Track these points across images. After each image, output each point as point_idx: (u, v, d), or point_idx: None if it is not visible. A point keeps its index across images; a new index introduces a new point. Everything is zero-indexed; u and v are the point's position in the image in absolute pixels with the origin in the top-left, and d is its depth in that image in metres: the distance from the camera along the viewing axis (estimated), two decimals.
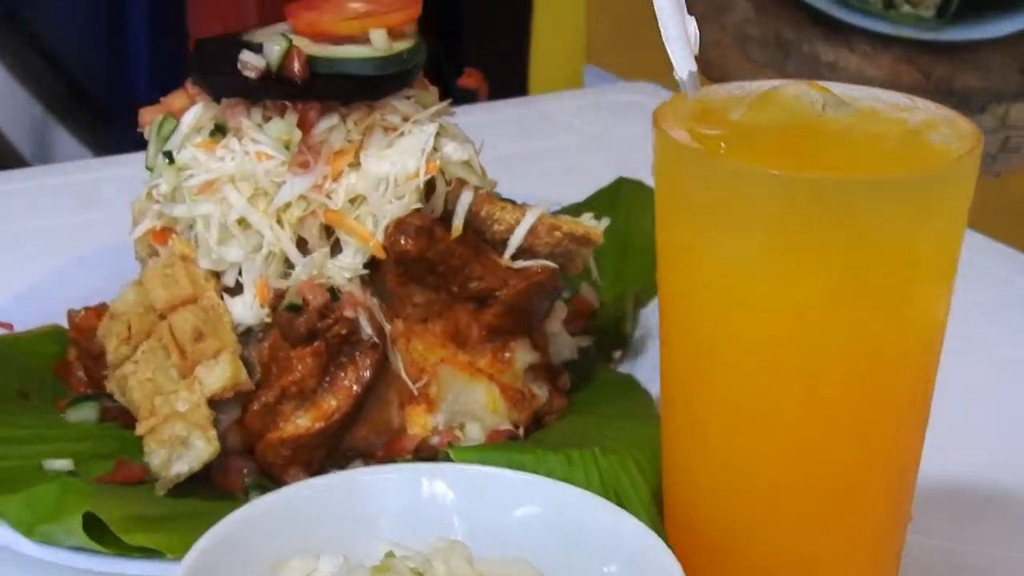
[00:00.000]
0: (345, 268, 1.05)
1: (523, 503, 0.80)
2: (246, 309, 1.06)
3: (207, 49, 1.11)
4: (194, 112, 1.09)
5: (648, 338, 1.31)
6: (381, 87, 1.06)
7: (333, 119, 1.05)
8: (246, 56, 1.03)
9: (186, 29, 3.27)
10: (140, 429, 0.99)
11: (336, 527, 0.81)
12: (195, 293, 1.06)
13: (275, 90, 1.03)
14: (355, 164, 1.06)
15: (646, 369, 1.21)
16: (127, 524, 0.85)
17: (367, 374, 1.02)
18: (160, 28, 3.42)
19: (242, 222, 1.05)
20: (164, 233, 1.13)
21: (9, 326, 1.22)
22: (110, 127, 3.51)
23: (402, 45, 1.06)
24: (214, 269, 1.07)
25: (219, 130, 1.06)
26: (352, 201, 1.06)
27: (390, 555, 0.79)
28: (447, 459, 1.02)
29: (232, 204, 1.04)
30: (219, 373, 1.00)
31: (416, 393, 1.06)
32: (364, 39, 1.06)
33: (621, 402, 1.13)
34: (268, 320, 1.05)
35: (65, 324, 1.23)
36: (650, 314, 1.33)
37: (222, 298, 1.06)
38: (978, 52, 2.17)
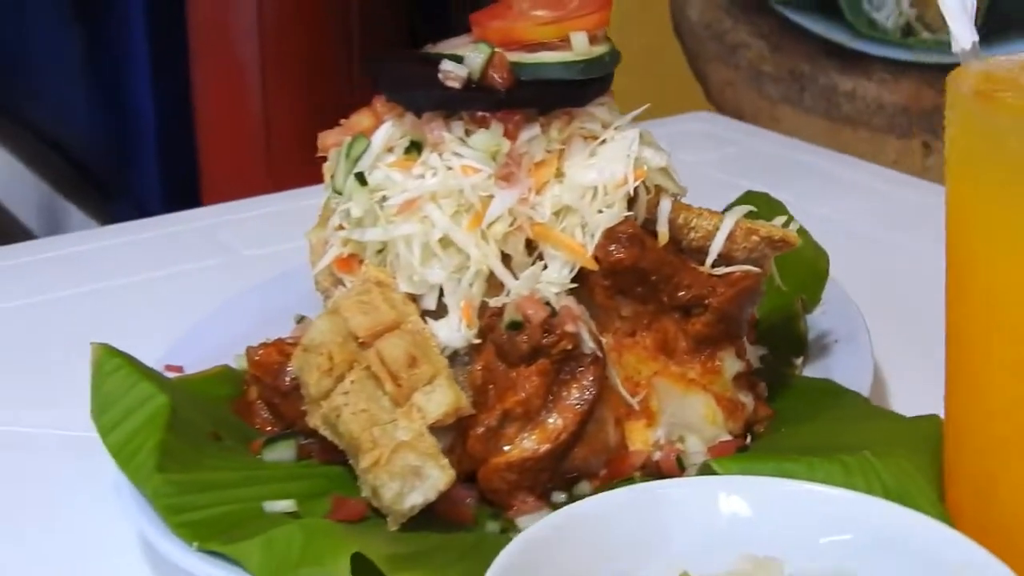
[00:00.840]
0: (552, 283, 1.00)
1: (831, 516, 0.75)
2: (452, 331, 1.02)
3: (390, 65, 1.08)
4: (385, 130, 1.05)
5: (825, 341, 1.27)
6: (586, 93, 1.03)
7: (535, 128, 1.01)
8: (448, 66, 1.00)
9: (191, 104, 3.27)
10: (364, 462, 0.94)
11: (626, 547, 0.76)
12: (397, 318, 1.02)
13: (480, 100, 1.00)
14: (558, 175, 1.02)
15: (843, 371, 1.16)
16: (393, 563, 0.80)
17: (591, 390, 0.98)
18: (165, 103, 3.36)
19: (444, 241, 1.01)
20: (351, 260, 1.09)
21: (180, 368, 1.18)
22: (117, 203, 3.51)
23: (600, 48, 1.03)
24: (414, 292, 1.03)
25: (415, 147, 1.03)
26: (557, 213, 1.02)
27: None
28: (674, 474, 0.99)
29: (435, 223, 1.00)
30: (439, 399, 0.95)
31: (636, 408, 1.01)
32: (558, 45, 1.03)
33: (832, 407, 1.09)
34: (476, 341, 1.00)
35: (232, 365, 1.20)
36: (818, 319, 1.30)
37: (425, 322, 1.02)
38: None
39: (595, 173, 1.01)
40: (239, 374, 1.18)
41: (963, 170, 0.76)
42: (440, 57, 1.02)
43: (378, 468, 0.93)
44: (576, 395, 0.98)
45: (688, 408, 1.04)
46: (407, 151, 1.03)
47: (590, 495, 0.97)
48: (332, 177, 1.09)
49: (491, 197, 0.99)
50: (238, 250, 1.72)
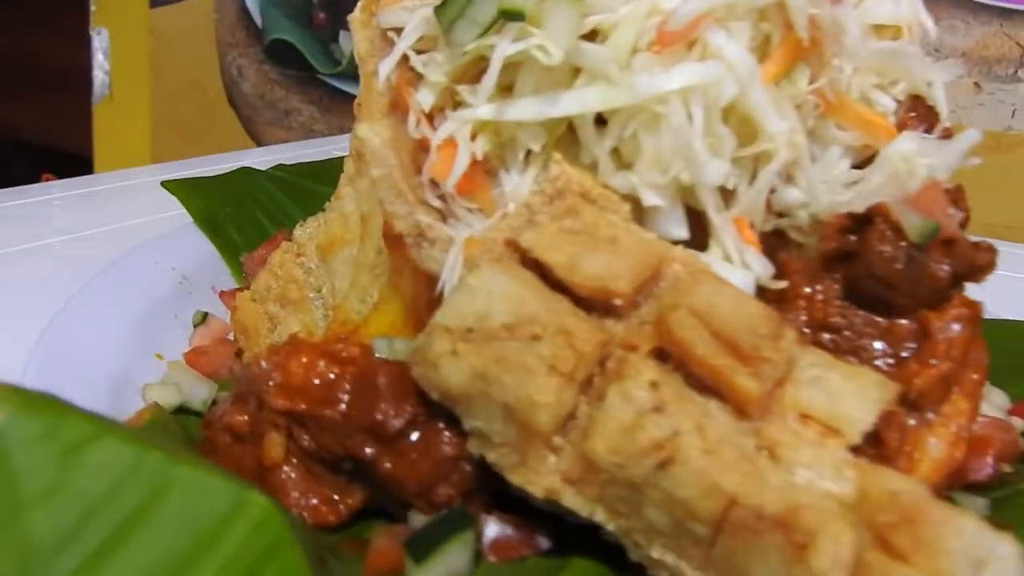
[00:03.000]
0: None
1: None
2: (736, 269, 0.56)
3: None
4: None
5: None
6: None
7: None
8: None
9: None
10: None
11: None
12: (660, 251, 0.53)
13: None
14: None
15: None
16: None
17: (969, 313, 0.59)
18: None
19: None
20: (476, 170, 0.56)
21: None
22: None
23: None
24: (656, 202, 0.55)
25: None
26: None
27: None
28: None
29: (732, 64, 0.53)
30: (860, 393, 0.50)
31: None
32: None
33: None
34: (779, 285, 0.56)
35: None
36: None
37: None
38: None
39: None
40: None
41: None
42: None
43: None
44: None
45: None
46: None
47: None
48: (444, 5, 0.54)
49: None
50: None
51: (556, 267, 0.52)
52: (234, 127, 2.99)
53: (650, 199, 0.55)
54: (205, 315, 0.80)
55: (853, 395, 0.50)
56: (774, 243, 0.61)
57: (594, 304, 0.52)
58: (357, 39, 0.63)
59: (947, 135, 0.64)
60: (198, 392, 0.68)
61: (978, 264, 0.55)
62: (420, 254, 0.59)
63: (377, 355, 0.58)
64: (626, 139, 0.55)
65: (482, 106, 0.56)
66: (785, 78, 0.58)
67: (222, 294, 0.88)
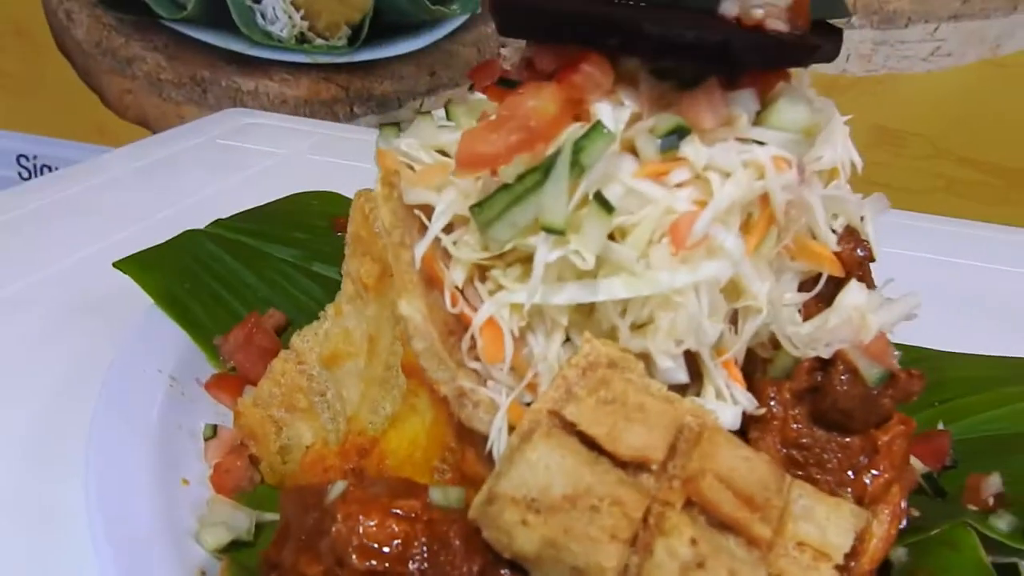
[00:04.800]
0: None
1: None
2: (728, 407, 0.69)
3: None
4: (611, 115, 0.62)
5: None
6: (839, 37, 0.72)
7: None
8: None
9: None
10: None
11: None
12: (677, 415, 0.64)
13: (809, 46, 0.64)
14: None
15: None
16: None
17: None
18: None
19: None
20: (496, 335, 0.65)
21: None
22: None
23: None
24: (671, 365, 0.66)
25: (674, 137, 0.62)
26: None
27: None
28: None
29: (730, 253, 0.64)
30: (839, 522, 0.64)
31: None
32: None
33: None
34: (760, 411, 0.70)
35: None
36: None
37: None
38: (390, 66, 2.53)
39: None
40: None
41: None
42: None
43: None
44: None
45: None
46: (665, 144, 0.62)
47: None
48: (482, 206, 0.61)
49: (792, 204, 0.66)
50: None
51: (600, 439, 0.63)
52: (68, 77, 2.78)
53: (664, 363, 0.66)
54: (215, 428, 0.85)
55: (836, 524, 0.64)
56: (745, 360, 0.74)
57: (632, 463, 0.63)
58: (382, 212, 0.69)
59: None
60: (242, 523, 0.75)
61: (913, 392, 0.70)
62: (464, 414, 0.67)
63: (432, 500, 0.67)
64: (644, 316, 0.65)
65: (520, 291, 0.64)
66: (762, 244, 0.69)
67: (208, 386, 0.92)
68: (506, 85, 0.67)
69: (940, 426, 0.93)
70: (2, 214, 1.35)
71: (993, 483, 0.84)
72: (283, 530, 0.73)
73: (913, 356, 1.02)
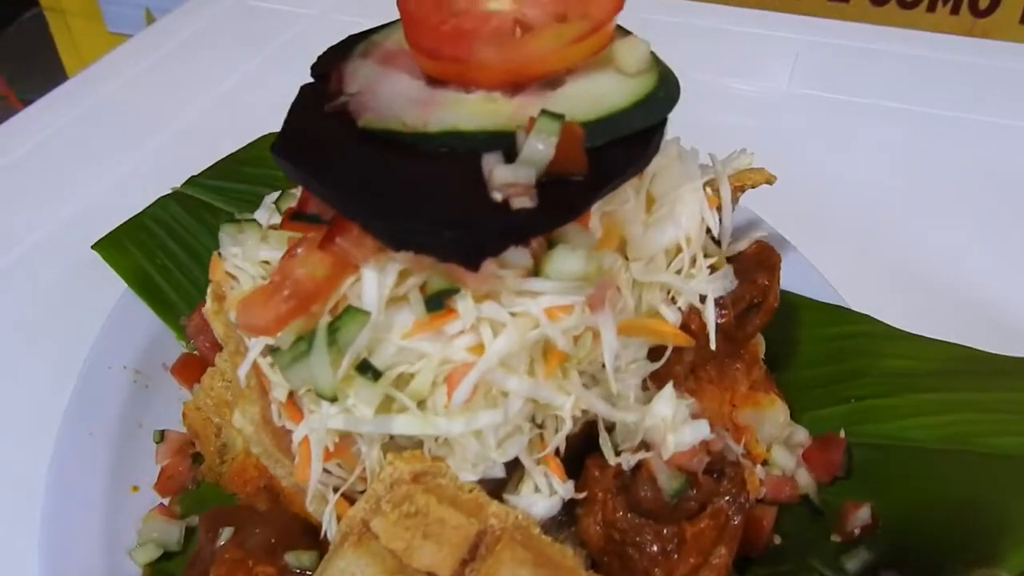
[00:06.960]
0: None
1: None
2: (543, 499, 0.74)
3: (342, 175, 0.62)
4: (375, 282, 0.64)
5: None
6: (654, 140, 0.68)
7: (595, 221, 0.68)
8: (500, 173, 0.59)
9: None
10: None
11: None
12: (478, 525, 0.71)
13: (565, 210, 0.62)
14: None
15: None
16: None
17: (742, 497, 0.78)
18: None
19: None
20: (343, 447, 0.71)
21: None
22: None
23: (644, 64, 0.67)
24: (477, 477, 0.71)
25: (439, 296, 0.64)
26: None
27: None
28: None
29: (511, 393, 0.66)
30: None
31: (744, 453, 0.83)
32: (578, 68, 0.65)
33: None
34: (579, 495, 0.75)
35: None
36: None
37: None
38: None
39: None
40: None
41: None
42: (428, 139, 0.60)
43: None
44: (732, 510, 0.77)
45: (768, 423, 0.89)
46: (431, 304, 0.64)
47: None
48: (276, 353, 0.67)
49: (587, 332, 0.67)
50: None
51: (398, 553, 0.71)
52: None
53: (467, 477, 0.71)
54: (163, 433, 0.97)
55: None
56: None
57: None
58: (214, 325, 0.75)
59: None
60: (172, 536, 0.89)
61: (719, 493, 0.73)
62: (300, 501, 0.77)
63: (288, 564, 0.78)
64: (439, 444, 0.70)
65: (332, 417, 0.70)
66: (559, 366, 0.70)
67: (172, 370, 1.03)
68: (301, 220, 0.68)
69: (842, 433, 0.92)
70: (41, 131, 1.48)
71: (862, 516, 0.85)
72: (196, 555, 0.88)
73: (851, 331, 0.98)
